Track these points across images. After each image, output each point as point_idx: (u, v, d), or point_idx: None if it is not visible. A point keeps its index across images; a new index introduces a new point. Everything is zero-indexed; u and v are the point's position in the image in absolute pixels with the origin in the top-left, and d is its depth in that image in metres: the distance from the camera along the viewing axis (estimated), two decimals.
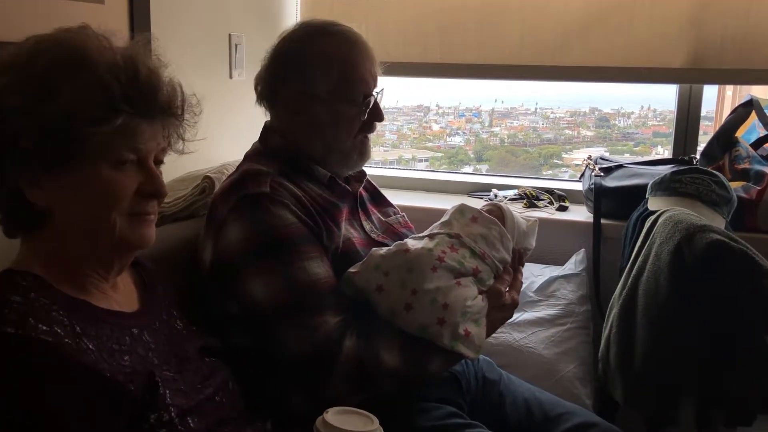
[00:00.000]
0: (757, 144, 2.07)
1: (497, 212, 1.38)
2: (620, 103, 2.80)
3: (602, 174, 2.10)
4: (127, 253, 1.00)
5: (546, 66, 2.23)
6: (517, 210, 1.77)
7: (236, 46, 2.04)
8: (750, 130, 2.14)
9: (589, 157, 2.27)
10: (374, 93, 1.41)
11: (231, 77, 2.04)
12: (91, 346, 0.86)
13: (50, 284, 0.90)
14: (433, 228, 1.36)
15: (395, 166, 2.84)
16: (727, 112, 2.26)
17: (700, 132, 2.28)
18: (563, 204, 2.22)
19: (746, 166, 1.98)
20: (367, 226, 1.46)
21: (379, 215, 1.54)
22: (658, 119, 2.77)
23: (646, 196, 1.84)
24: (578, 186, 2.27)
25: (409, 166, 2.88)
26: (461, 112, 2.99)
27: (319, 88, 1.36)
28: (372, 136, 1.45)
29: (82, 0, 1.41)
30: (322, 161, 1.40)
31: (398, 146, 3.02)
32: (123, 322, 0.96)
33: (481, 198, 2.30)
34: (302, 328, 1.18)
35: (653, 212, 1.69)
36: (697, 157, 2.14)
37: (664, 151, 2.60)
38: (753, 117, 2.09)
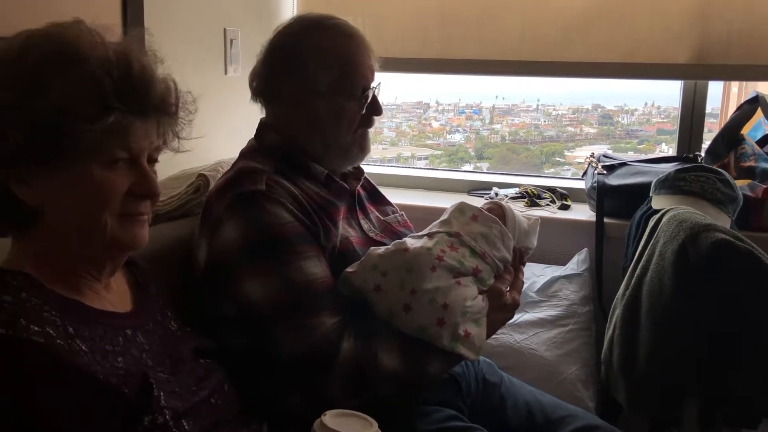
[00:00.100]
0: (763, 141, 2.08)
1: (498, 210, 1.39)
2: (624, 99, 2.81)
3: (605, 172, 2.11)
4: (119, 254, 1.00)
5: (547, 62, 2.23)
6: (519, 209, 1.77)
7: (231, 41, 2.04)
8: (756, 127, 2.15)
9: (592, 155, 2.28)
10: (372, 87, 1.41)
11: (226, 73, 2.04)
12: (83, 347, 0.86)
13: (42, 284, 0.90)
14: (433, 227, 1.36)
15: (394, 164, 2.84)
16: (732, 108, 2.27)
17: (705, 129, 2.28)
18: (565, 203, 2.23)
19: (752, 163, 1.99)
20: (365, 224, 1.46)
21: (378, 214, 1.54)
22: (663, 116, 2.77)
23: (650, 195, 1.85)
24: (581, 184, 2.27)
25: (409, 164, 2.89)
26: (461, 109, 2.99)
27: (318, 82, 1.37)
28: (371, 131, 1.46)
29: None
30: (320, 157, 1.40)
31: (397, 144, 3.02)
32: (116, 323, 0.96)
33: (482, 197, 2.30)
34: (299, 328, 1.19)
35: (657, 211, 1.69)
36: (702, 154, 2.15)
37: (669, 149, 2.61)
38: (759, 114, 2.10)
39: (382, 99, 1.46)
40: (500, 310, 1.31)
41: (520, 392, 1.49)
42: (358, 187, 1.50)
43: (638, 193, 1.92)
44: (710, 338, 1.43)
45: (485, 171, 2.76)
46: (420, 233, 1.36)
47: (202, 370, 1.07)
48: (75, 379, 0.83)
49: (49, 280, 0.92)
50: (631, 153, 2.69)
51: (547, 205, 2.22)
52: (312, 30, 1.40)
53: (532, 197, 2.24)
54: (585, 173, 2.25)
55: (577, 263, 2.02)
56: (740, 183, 1.88)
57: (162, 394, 0.92)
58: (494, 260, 1.31)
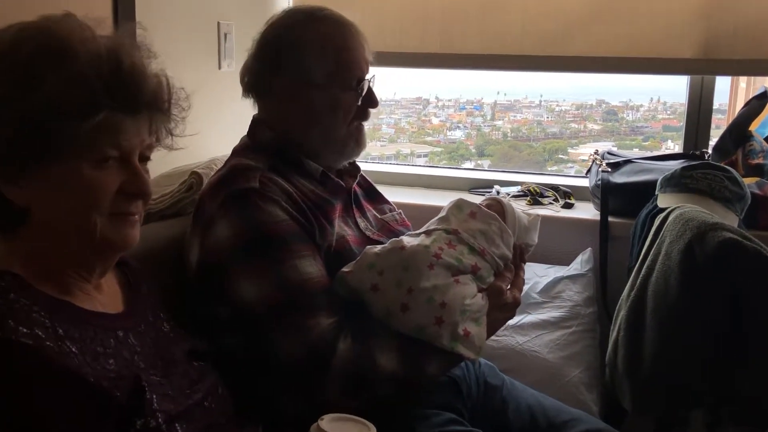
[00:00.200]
0: None
1: (497, 207, 1.39)
2: (629, 95, 2.81)
3: (610, 170, 2.11)
4: (110, 254, 1.00)
5: (550, 56, 2.24)
6: (521, 208, 1.77)
7: (225, 35, 2.04)
8: (764, 124, 2.15)
9: (596, 152, 2.28)
10: (367, 78, 1.42)
11: (220, 68, 2.05)
12: (74, 349, 0.86)
13: (30, 284, 0.90)
14: (430, 224, 1.36)
15: (393, 162, 2.85)
16: (740, 104, 2.27)
17: (712, 126, 2.29)
18: (569, 201, 2.23)
19: (760, 161, 2.00)
20: (361, 223, 1.46)
21: (375, 212, 1.54)
22: (669, 112, 2.78)
23: (656, 193, 1.85)
24: (584, 182, 2.28)
25: (408, 162, 2.89)
26: (462, 105, 3.00)
27: (313, 74, 1.37)
28: (367, 125, 1.47)
29: None
30: (316, 152, 1.40)
31: (396, 141, 3.02)
32: (107, 324, 0.96)
33: (483, 195, 2.30)
34: (294, 329, 1.19)
35: (663, 209, 1.70)
36: (709, 151, 2.15)
37: (675, 146, 2.61)
38: (767, 110, 2.10)
39: (380, 94, 1.47)
40: (501, 309, 1.31)
41: (522, 395, 1.49)
42: (354, 184, 1.51)
43: (643, 191, 1.93)
44: (717, 338, 1.44)
45: (486, 169, 2.77)
46: (417, 231, 1.36)
47: (195, 373, 1.07)
48: (66, 382, 0.83)
49: (38, 281, 0.92)
50: (636, 150, 2.70)
51: (550, 203, 2.22)
52: (304, 22, 1.41)
53: (534, 196, 2.24)
54: (589, 171, 2.25)
55: (580, 263, 2.02)
56: (748, 181, 1.89)
57: (155, 396, 0.92)
58: (494, 257, 1.31)
